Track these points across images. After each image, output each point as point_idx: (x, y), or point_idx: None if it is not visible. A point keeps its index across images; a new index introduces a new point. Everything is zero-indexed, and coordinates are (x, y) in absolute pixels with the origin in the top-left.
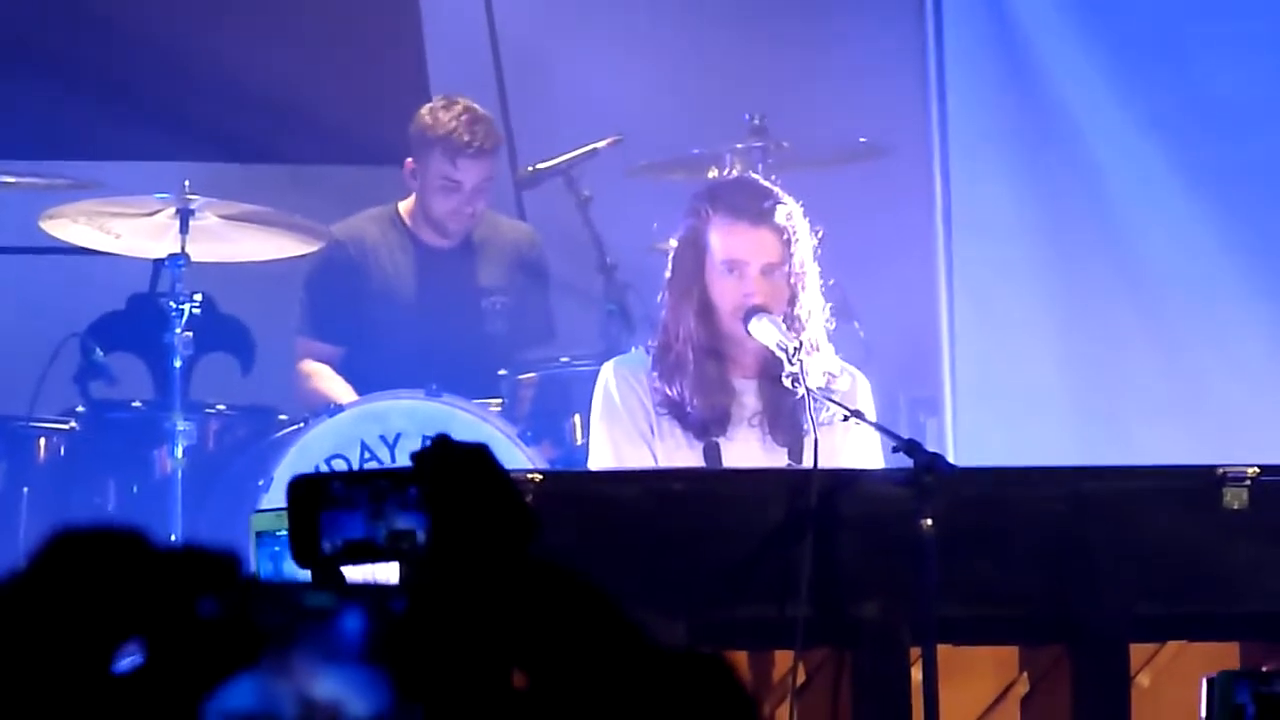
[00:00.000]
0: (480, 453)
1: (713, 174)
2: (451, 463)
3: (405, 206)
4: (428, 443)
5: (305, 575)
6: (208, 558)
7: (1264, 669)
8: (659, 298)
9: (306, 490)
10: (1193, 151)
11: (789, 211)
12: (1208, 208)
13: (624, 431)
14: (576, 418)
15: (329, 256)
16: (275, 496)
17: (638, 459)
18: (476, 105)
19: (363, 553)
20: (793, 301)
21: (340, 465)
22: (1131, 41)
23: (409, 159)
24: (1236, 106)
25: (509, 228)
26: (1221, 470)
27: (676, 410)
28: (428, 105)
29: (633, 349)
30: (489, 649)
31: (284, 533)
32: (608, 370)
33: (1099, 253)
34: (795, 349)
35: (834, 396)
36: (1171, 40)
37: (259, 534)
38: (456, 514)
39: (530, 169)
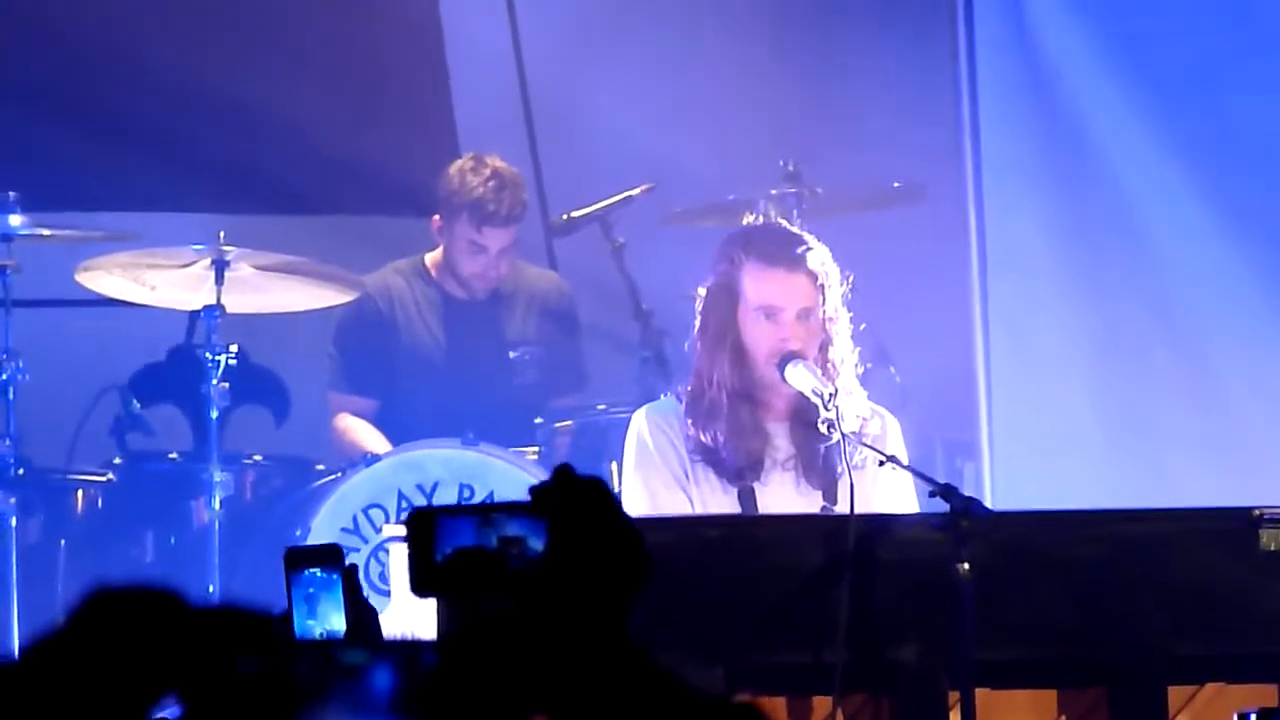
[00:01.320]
0: (599, 486)
1: (747, 220)
2: (575, 493)
3: (431, 259)
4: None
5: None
6: (243, 616)
7: None
8: (686, 345)
9: (424, 515)
10: (1228, 189)
11: (821, 258)
12: (1243, 246)
13: (659, 477)
14: (613, 465)
15: (356, 310)
16: None
17: (674, 504)
18: (505, 166)
19: (473, 560)
20: (825, 346)
21: (378, 515)
22: (1165, 80)
23: (436, 215)
24: (1271, 144)
25: (536, 276)
26: (1258, 511)
27: (710, 456)
28: (457, 165)
29: (662, 396)
30: (518, 701)
31: (316, 571)
32: (640, 418)
33: (1135, 292)
34: (831, 394)
35: (867, 440)
36: (1205, 78)
37: (292, 573)
38: (580, 545)
39: (565, 217)
